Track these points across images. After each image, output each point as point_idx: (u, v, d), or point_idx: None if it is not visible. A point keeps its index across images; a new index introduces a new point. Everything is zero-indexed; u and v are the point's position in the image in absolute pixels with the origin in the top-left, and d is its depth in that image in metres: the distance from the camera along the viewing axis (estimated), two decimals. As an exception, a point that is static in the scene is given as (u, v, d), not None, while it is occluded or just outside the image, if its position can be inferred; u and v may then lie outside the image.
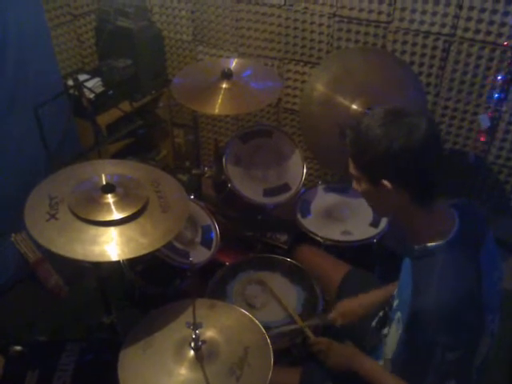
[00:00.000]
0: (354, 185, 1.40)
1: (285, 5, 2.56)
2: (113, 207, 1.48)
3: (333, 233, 2.18)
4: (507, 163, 2.46)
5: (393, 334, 1.40)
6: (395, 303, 1.43)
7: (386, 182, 1.27)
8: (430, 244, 1.30)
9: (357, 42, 2.51)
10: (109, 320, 2.01)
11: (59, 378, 1.77)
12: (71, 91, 2.23)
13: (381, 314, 1.66)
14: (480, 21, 2.20)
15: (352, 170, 1.36)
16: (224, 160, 2.24)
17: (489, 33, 2.21)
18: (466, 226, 1.32)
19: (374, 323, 1.67)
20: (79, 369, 1.80)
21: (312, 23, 2.56)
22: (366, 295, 1.77)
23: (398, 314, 1.37)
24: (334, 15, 2.48)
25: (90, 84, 2.57)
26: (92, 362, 1.85)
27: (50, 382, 1.75)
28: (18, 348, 1.84)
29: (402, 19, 2.35)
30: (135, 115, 2.75)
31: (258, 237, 2.48)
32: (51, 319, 2.37)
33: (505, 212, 2.56)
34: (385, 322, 1.55)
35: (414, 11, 2.30)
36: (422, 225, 1.32)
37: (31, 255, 2.49)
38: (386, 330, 1.49)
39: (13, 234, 2.45)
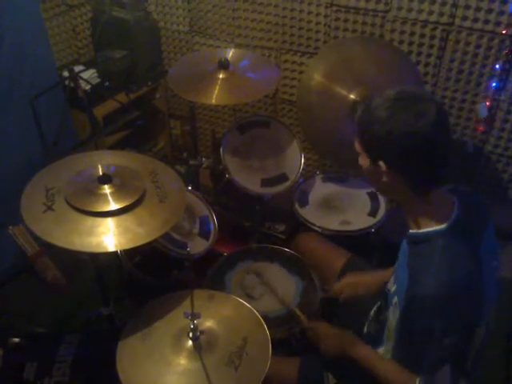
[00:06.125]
0: (360, 160, 1.39)
1: (282, -6, 2.55)
2: (110, 198, 1.47)
3: (331, 223, 2.18)
4: (505, 152, 2.46)
5: (391, 320, 1.40)
6: (393, 288, 1.43)
7: (381, 163, 1.26)
8: (427, 229, 1.29)
9: (354, 31, 2.50)
10: (107, 311, 2.02)
11: (58, 369, 1.77)
12: (67, 83, 2.22)
13: (379, 303, 1.66)
14: (478, 9, 2.19)
15: (356, 144, 1.35)
16: (221, 151, 2.23)
17: (487, 21, 2.20)
18: (467, 212, 1.31)
19: (372, 312, 1.68)
20: (78, 360, 1.80)
21: (309, 13, 2.54)
22: (369, 274, 1.79)
23: (395, 299, 1.37)
24: (332, 4, 2.47)
25: (85, 75, 2.56)
26: (90, 353, 1.85)
27: (49, 374, 1.75)
28: (17, 340, 1.83)
29: (399, 8, 2.34)
30: (132, 107, 2.73)
31: (255, 227, 2.47)
32: (50, 311, 2.37)
33: (503, 201, 2.56)
34: (382, 310, 1.55)
35: (411, 0, 2.29)
36: (418, 209, 1.32)
37: (29, 248, 2.48)
38: (383, 316, 1.49)
39: (10, 227, 2.44)
